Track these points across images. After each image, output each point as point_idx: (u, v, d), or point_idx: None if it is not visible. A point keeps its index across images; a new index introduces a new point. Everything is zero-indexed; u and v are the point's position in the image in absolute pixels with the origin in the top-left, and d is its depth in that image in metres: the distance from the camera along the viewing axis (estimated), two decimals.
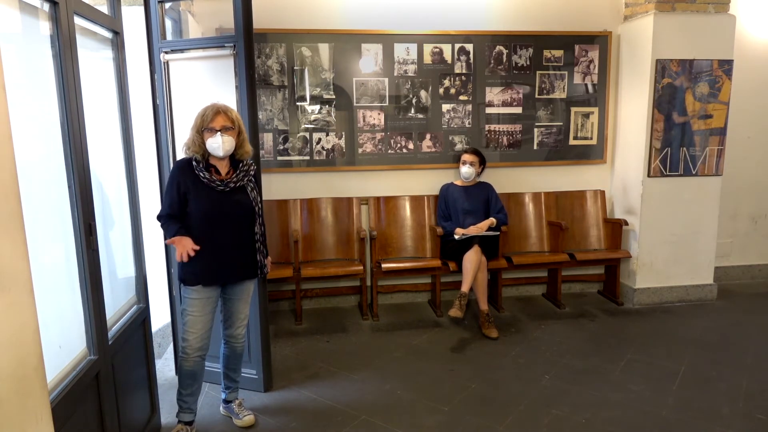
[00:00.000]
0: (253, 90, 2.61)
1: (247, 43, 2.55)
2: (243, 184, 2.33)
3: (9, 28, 1.50)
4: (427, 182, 4.16)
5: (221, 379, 2.62)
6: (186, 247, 2.20)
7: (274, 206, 3.95)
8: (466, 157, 3.93)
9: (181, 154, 2.47)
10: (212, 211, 2.26)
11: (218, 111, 2.24)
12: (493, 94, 4.13)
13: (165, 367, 3.12)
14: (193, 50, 2.73)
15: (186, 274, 2.29)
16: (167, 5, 2.88)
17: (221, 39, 2.68)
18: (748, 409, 2.62)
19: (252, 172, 2.39)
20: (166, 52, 2.72)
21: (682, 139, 3.98)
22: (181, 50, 2.73)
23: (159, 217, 2.31)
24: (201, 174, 2.25)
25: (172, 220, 2.27)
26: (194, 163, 2.27)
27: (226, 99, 2.58)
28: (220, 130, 2.21)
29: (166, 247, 2.80)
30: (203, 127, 2.23)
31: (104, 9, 2.16)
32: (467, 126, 4.13)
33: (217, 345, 2.64)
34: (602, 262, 4.21)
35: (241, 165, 2.35)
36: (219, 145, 2.22)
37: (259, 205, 2.41)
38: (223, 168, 2.33)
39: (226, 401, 2.61)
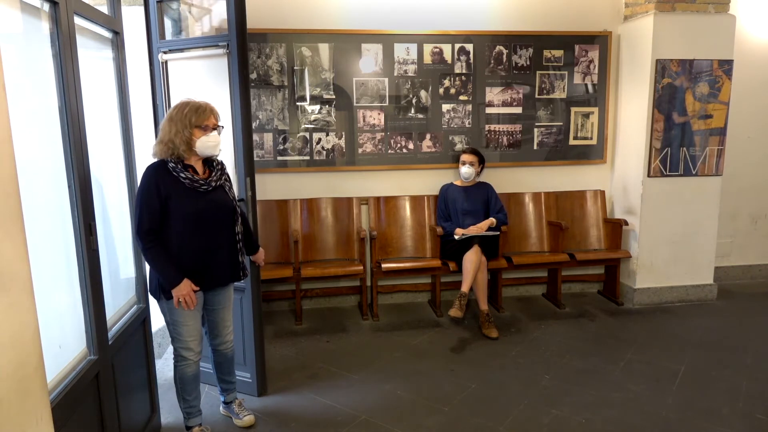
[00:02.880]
0: (247, 89, 2.56)
1: (240, 41, 2.49)
2: (221, 183, 2.26)
3: (9, 28, 1.50)
4: (427, 182, 4.16)
5: (217, 384, 2.60)
6: (183, 292, 2.13)
7: (274, 206, 3.95)
8: (465, 157, 3.92)
9: None
10: (198, 213, 2.15)
11: (212, 109, 2.18)
12: (493, 94, 4.13)
13: (165, 367, 3.11)
14: (189, 50, 2.70)
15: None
16: (166, 5, 2.87)
17: (215, 38, 2.64)
18: (748, 409, 2.62)
19: (226, 170, 2.33)
20: (165, 52, 2.71)
21: (682, 139, 3.98)
22: (179, 50, 2.71)
23: (140, 233, 2.09)
24: (181, 175, 2.12)
25: (159, 245, 2.11)
26: (171, 165, 2.12)
27: (224, 98, 2.57)
28: (215, 129, 2.17)
29: None
30: (198, 123, 2.13)
31: (104, 9, 2.16)
32: (467, 126, 4.13)
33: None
34: (602, 262, 4.21)
35: (214, 164, 2.29)
36: (216, 143, 2.17)
37: (238, 204, 2.34)
38: (199, 168, 2.23)
39: (226, 402, 2.60)
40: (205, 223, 2.18)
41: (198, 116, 2.14)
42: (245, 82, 2.56)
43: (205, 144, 2.16)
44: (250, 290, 2.65)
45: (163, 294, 2.18)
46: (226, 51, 2.56)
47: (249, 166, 2.60)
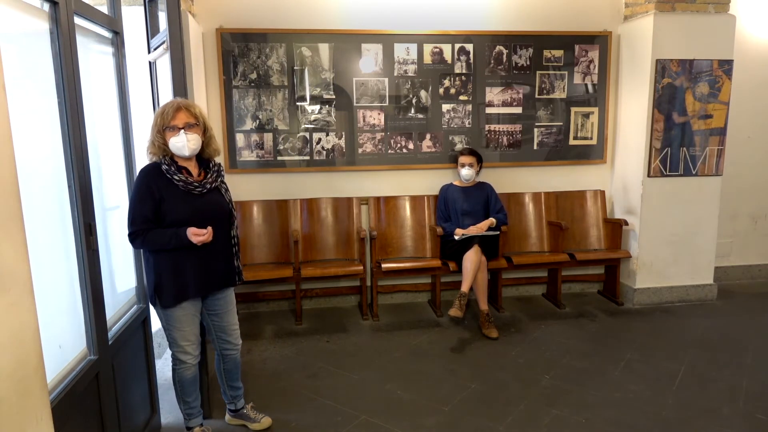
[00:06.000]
0: (184, 84, 2.41)
1: (173, 35, 2.33)
2: (217, 185, 2.20)
3: (9, 28, 1.50)
4: (427, 182, 4.16)
5: (224, 395, 2.52)
6: (199, 238, 2.03)
7: (274, 206, 3.95)
8: (463, 159, 3.92)
9: None
10: (194, 216, 2.08)
11: (179, 107, 2.06)
12: (493, 94, 4.13)
13: (165, 367, 3.11)
14: (160, 48, 2.65)
15: (165, 295, 2.13)
16: (161, 4, 2.84)
17: (162, 35, 2.58)
18: (748, 409, 2.62)
19: (222, 172, 2.28)
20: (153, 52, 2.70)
21: (682, 139, 3.98)
22: (155, 48, 2.67)
23: (132, 235, 2.06)
24: (175, 177, 2.06)
25: (146, 232, 2.04)
26: (164, 167, 2.07)
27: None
28: (183, 128, 2.04)
29: None
30: (164, 126, 2.04)
31: (104, 9, 2.16)
32: (467, 126, 4.13)
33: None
34: (602, 262, 4.21)
35: (211, 165, 2.22)
36: (184, 144, 2.04)
37: (234, 207, 2.28)
38: (194, 169, 2.16)
39: (235, 410, 2.53)
40: (200, 226, 2.08)
41: (162, 119, 2.05)
42: (182, 79, 2.39)
43: (174, 146, 2.06)
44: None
45: (159, 301, 2.14)
46: (166, 49, 2.42)
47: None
